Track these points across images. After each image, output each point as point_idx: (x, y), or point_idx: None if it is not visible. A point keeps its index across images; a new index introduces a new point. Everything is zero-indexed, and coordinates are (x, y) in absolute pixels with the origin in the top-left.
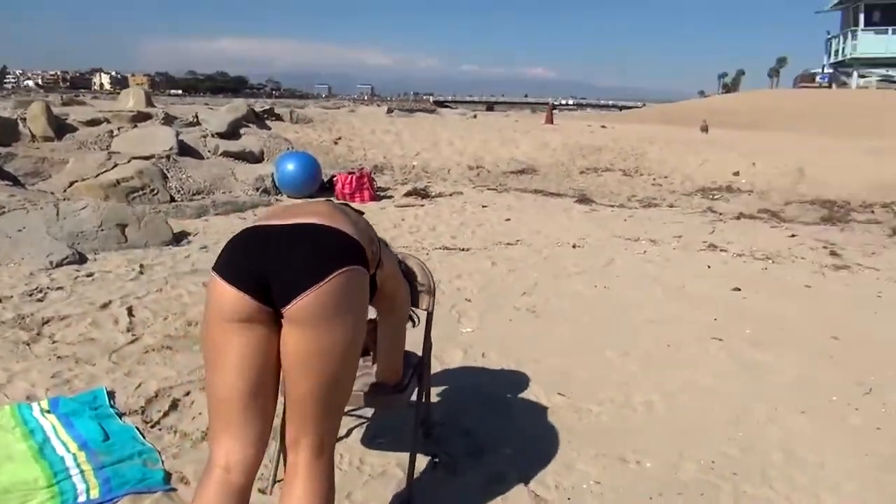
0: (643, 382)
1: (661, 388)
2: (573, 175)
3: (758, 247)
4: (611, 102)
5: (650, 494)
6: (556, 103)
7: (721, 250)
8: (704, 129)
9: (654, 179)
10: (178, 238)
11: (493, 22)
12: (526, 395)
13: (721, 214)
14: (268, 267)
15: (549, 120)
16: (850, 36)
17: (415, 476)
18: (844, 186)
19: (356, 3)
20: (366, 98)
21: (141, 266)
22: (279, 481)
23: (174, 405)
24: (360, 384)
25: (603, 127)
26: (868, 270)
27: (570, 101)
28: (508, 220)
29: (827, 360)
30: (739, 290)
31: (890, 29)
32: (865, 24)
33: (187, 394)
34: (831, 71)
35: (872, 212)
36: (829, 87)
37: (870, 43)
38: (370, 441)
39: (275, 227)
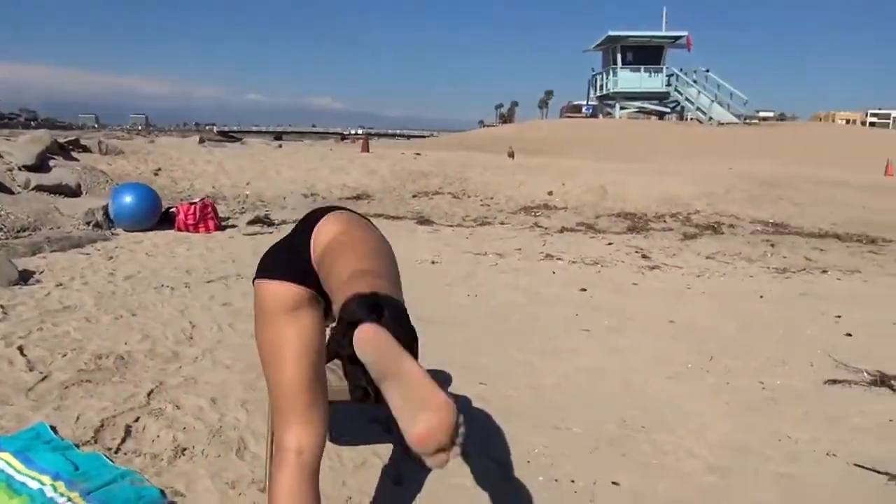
0: (543, 369)
1: (559, 372)
2: (406, 199)
3: (585, 254)
4: (398, 132)
5: (589, 450)
6: (344, 133)
7: (557, 259)
8: (511, 154)
9: (481, 200)
10: (25, 277)
11: (279, 51)
12: (452, 388)
13: (547, 229)
14: (296, 242)
15: (366, 148)
16: (611, 73)
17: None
18: (639, 201)
19: (126, 30)
20: (140, 128)
21: (2, 307)
22: None
23: (128, 432)
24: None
25: (418, 154)
26: (674, 268)
27: (360, 131)
28: None
29: (671, 339)
30: (585, 290)
31: (642, 67)
32: (623, 63)
33: (136, 420)
34: (595, 103)
35: (664, 221)
36: (594, 117)
37: (628, 79)
38: (338, 439)
39: (298, 224)
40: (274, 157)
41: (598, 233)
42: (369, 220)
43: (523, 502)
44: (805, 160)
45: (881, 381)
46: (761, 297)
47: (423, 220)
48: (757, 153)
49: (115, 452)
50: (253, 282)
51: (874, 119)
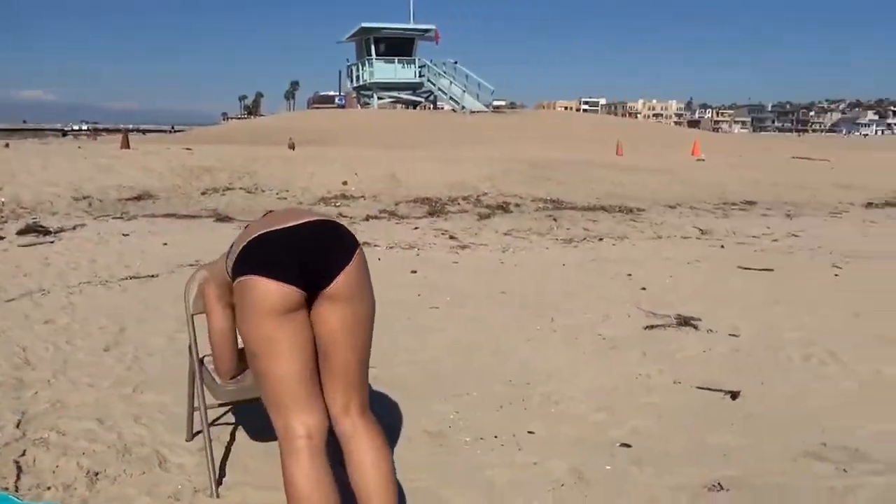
0: (417, 347)
1: (432, 347)
2: (195, 197)
3: (399, 239)
4: (131, 126)
5: (495, 408)
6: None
7: (374, 245)
8: (292, 146)
9: (277, 194)
10: None
11: None
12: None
13: (352, 218)
14: (308, 257)
15: (126, 144)
16: (367, 64)
17: None
18: (431, 186)
19: None
20: None
21: None
22: (220, 484)
23: (19, 467)
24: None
25: (188, 149)
26: (481, 246)
27: (85, 126)
28: (165, 244)
29: (511, 307)
30: (416, 271)
31: (396, 59)
32: (377, 54)
33: (22, 454)
34: (345, 93)
35: (459, 203)
36: (343, 107)
37: (383, 70)
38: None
39: (294, 227)
40: (16, 158)
41: (402, 218)
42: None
43: (466, 460)
44: (552, 143)
45: (685, 321)
46: (563, 264)
47: (223, 218)
48: (511, 138)
49: (17, 491)
50: (237, 274)
51: (586, 106)
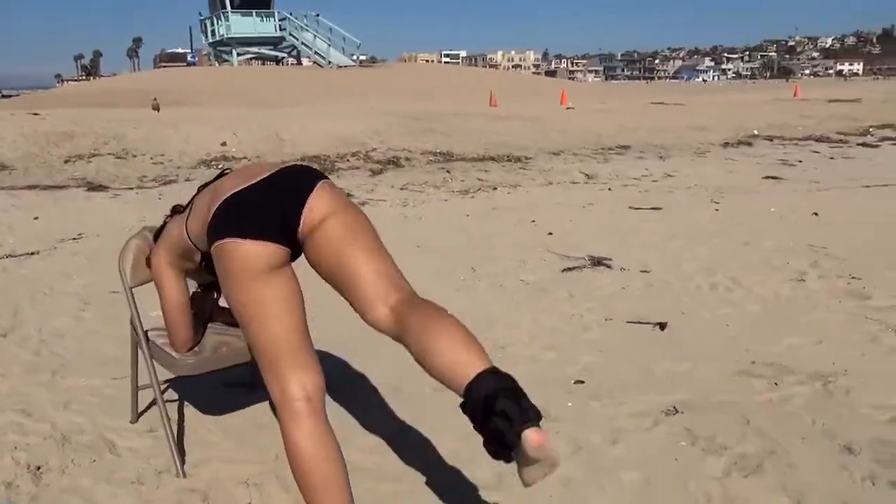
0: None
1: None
2: (57, 166)
3: None
4: None
5: None
6: None
7: None
8: (156, 107)
9: (151, 158)
10: None
11: None
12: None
13: None
14: (281, 205)
15: None
16: (222, 17)
17: None
18: (317, 143)
19: None
20: None
21: None
22: (184, 463)
23: None
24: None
25: (35, 114)
26: (380, 202)
27: None
28: (36, 218)
29: (431, 258)
30: None
31: (253, 11)
32: (232, 7)
33: None
34: (198, 50)
35: (348, 160)
36: (194, 65)
37: (240, 24)
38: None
39: (268, 178)
40: None
41: None
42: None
43: (435, 409)
44: (425, 96)
45: (598, 262)
46: (467, 215)
47: (96, 187)
48: (384, 93)
49: None
50: (215, 238)
51: (447, 59)
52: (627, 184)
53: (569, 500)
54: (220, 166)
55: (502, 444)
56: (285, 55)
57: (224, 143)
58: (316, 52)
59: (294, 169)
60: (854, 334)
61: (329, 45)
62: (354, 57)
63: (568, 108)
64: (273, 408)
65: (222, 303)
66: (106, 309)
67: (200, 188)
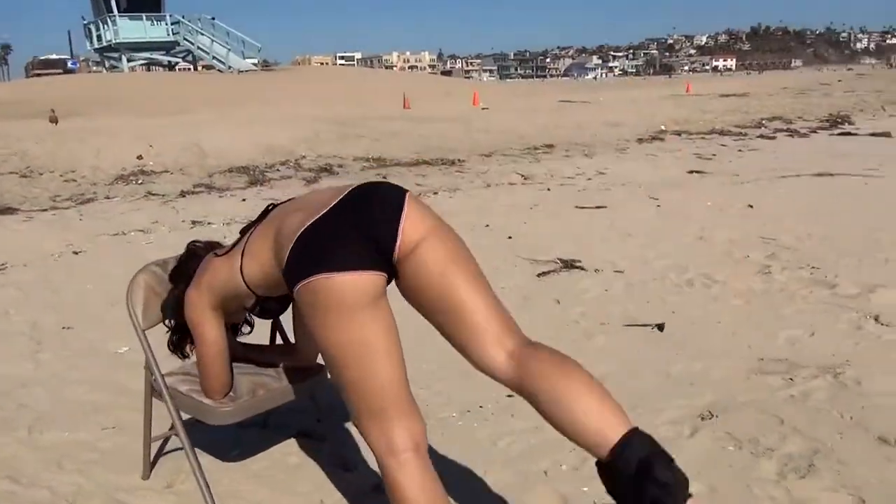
0: None
1: None
2: None
3: (232, 215)
4: None
5: (459, 376)
6: None
7: (209, 223)
8: (54, 120)
9: (61, 175)
10: None
11: None
12: None
13: (165, 196)
14: (371, 229)
15: None
16: (109, 22)
17: None
18: (243, 153)
19: None
20: None
21: None
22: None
23: None
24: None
25: None
26: None
27: None
28: None
29: None
30: None
31: (143, 15)
32: (119, 10)
33: None
34: (79, 57)
35: (279, 170)
36: (74, 72)
37: (129, 28)
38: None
39: (337, 206)
40: None
41: (223, 191)
42: None
43: (467, 435)
44: (337, 100)
45: (569, 264)
46: None
47: (3, 210)
48: (292, 97)
49: None
50: (299, 277)
51: (342, 61)
52: (564, 183)
53: None
54: (139, 181)
55: None
56: (179, 60)
57: (140, 157)
58: (214, 57)
59: (369, 187)
60: (839, 324)
61: (228, 50)
62: (254, 61)
63: (483, 109)
64: (303, 447)
65: (240, 338)
66: (63, 349)
67: (245, 230)
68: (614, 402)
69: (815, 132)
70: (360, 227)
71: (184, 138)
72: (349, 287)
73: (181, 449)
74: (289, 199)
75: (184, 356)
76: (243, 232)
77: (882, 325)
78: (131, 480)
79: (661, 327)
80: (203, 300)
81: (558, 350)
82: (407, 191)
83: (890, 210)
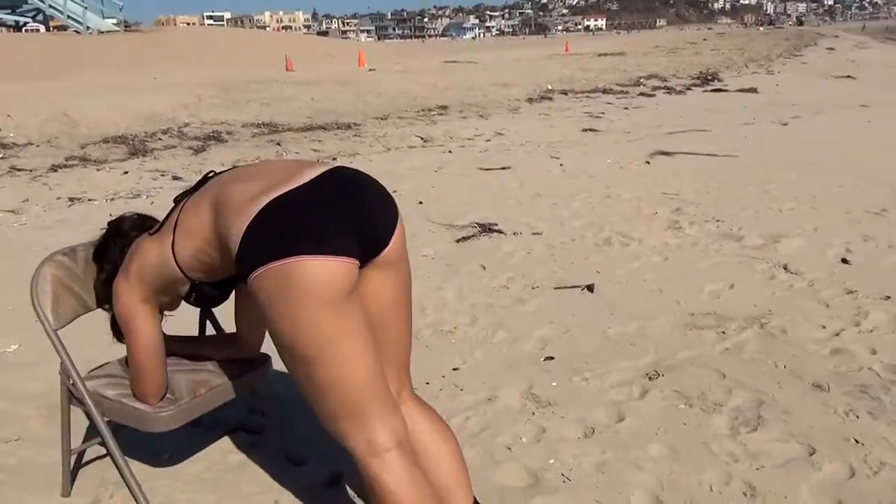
0: None
1: None
2: None
3: (115, 189)
4: None
5: None
6: None
7: (90, 201)
8: None
9: None
10: None
11: None
12: None
13: (34, 170)
14: (364, 220)
15: None
16: None
17: None
18: (119, 123)
19: None
20: None
21: None
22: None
23: None
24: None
25: None
26: None
27: None
28: None
29: None
30: None
31: None
32: None
33: None
34: None
35: (161, 139)
36: None
37: None
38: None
39: (321, 180)
40: None
41: (101, 163)
42: None
43: None
44: (213, 63)
45: (486, 228)
46: None
47: None
48: (166, 60)
49: None
50: (262, 260)
51: (210, 21)
52: (464, 145)
53: (614, 484)
54: (1, 155)
55: None
56: (28, 20)
57: None
58: (69, 17)
59: (356, 173)
60: (754, 275)
61: (85, 8)
62: (115, 21)
63: (370, 70)
64: (243, 443)
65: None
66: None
67: (179, 199)
68: (467, 471)
69: (689, 89)
70: (352, 212)
71: (48, 107)
72: (332, 274)
73: (100, 458)
74: (230, 168)
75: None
76: (177, 202)
77: (792, 273)
78: (50, 499)
79: (590, 288)
80: (133, 292)
81: (439, 418)
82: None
83: (773, 163)
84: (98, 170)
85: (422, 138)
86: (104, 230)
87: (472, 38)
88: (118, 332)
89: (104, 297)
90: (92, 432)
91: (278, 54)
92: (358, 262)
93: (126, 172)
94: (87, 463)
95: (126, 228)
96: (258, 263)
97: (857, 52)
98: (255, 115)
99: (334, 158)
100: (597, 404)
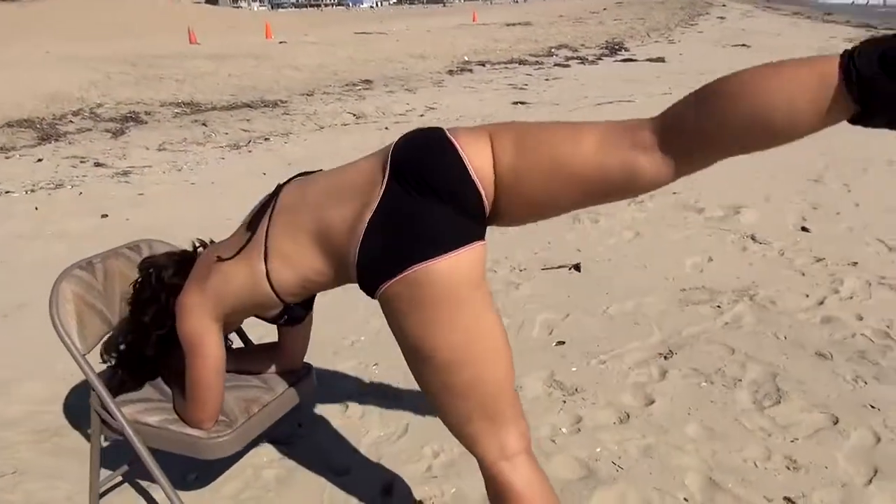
0: None
1: None
2: None
3: (33, 181)
4: None
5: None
6: None
7: (8, 193)
8: None
9: None
10: None
11: None
12: None
13: None
14: (444, 187)
15: None
16: None
17: None
18: (22, 105)
19: None
20: None
21: None
22: None
23: None
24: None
25: None
26: (146, 169)
27: None
28: None
29: None
30: (107, 216)
31: None
32: None
33: None
34: None
35: (73, 121)
36: None
37: None
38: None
39: (394, 172)
40: None
41: (9, 151)
42: None
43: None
44: (107, 34)
45: None
46: (264, 174)
47: None
48: (52, 31)
49: None
50: (388, 278)
51: None
52: (399, 121)
53: (665, 468)
54: None
55: None
56: None
57: None
58: None
59: (405, 142)
60: (725, 245)
61: None
62: None
63: (280, 43)
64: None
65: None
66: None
67: (256, 219)
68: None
69: (600, 59)
70: (435, 195)
71: None
72: (460, 268)
73: (117, 487)
74: (296, 178)
75: (138, 386)
76: (250, 225)
77: (760, 243)
78: None
79: (577, 268)
80: (206, 309)
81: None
82: (440, 129)
83: None
84: (7, 157)
85: (354, 115)
86: (141, 279)
87: (371, 7)
88: (133, 370)
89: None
90: (117, 463)
91: (174, 25)
92: (477, 242)
93: (40, 160)
94: (105, 493)
95: (162, 262)
96: (381, 281)
97: (746, 20)
98: (173, 94)
99: (267, 139)
100: (621, 388)
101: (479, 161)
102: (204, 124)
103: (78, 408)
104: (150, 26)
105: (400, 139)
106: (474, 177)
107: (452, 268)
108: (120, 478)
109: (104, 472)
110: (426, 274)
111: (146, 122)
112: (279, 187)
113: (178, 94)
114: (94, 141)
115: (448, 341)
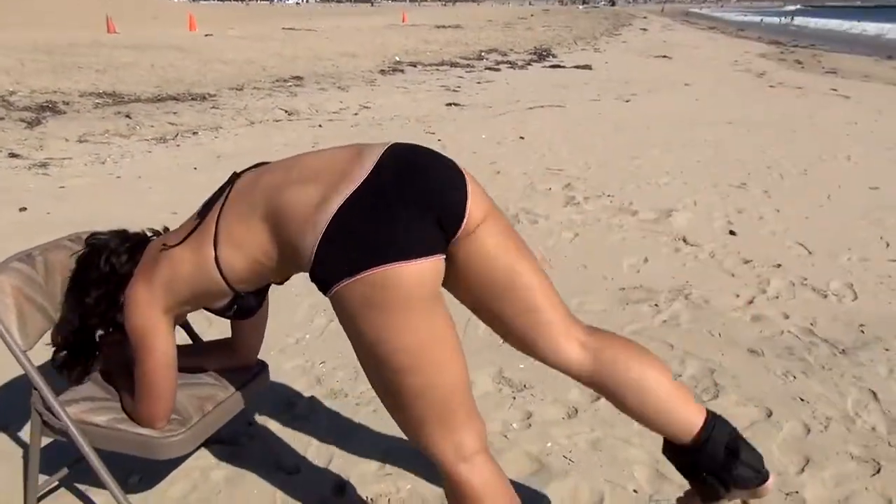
0: None
1: None
2: None
3: None
4: None
5: None
6: None
7: None
8: None
9: None
10: None
11: None
12: None
13: None
14: (435, 202)
15: None
16: None
17: None
18: None
19: None
20: None
21: None
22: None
23: None
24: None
25: None
26: (66, 161)
27: None
28: None
29: None
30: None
31: None
32: None
33: None
34: None
35: None
36: None
37: None
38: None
39: (377, 173)
40: None
41: None
42: None
43: None
44: (16, 21)
45: None
46: (195, 168)
47: None
48: None
49: None
50: (351, 273)
51: None
52: (333, 119)
53: (614, 461)
54: None
55: (729, 488)
56: None
57: None
58: None
59: (407, 149)
60: (660, 248)
61: None
62: None
63: (206, 36)
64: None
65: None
66: None
67: (208, 205)
68: (680, 382)
69: (529, 64)
70: (420, 200)
71: None
72: (423, 277)
73: (52, 492)
74: (258, 165)
75: (80, 380)
76: (202, 212)
77: (692, 245)
78: None
79: None
80: (156, 302)
81: (615, 333)
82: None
83: (636, 139)
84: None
85: (286, 111)
86: (87, 252)
87: (296, 3)
88: (71, 364)
89: (91, 318)
90: (53, 467)
91: (90, 13)
92: (444, 256)
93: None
94: (42, 499)
95: (113, 246)
96: (339, 277)
97: (667, 33)
98: (93, 84)
99: (195, 133)
100: (568, 384)
101: (474, 208)
102: (128, 116)
103: (5, 408)
104: (65, 14)
105: (404, 144)
106: (469, 202)
107: (420, 273)
108: (57, 482)
109: (40, 478)
110: (390, 276)
111: (65, 112)
112: (235, 175)
113: (99, 84)
114: (7, 131)
115: (404, 345)
